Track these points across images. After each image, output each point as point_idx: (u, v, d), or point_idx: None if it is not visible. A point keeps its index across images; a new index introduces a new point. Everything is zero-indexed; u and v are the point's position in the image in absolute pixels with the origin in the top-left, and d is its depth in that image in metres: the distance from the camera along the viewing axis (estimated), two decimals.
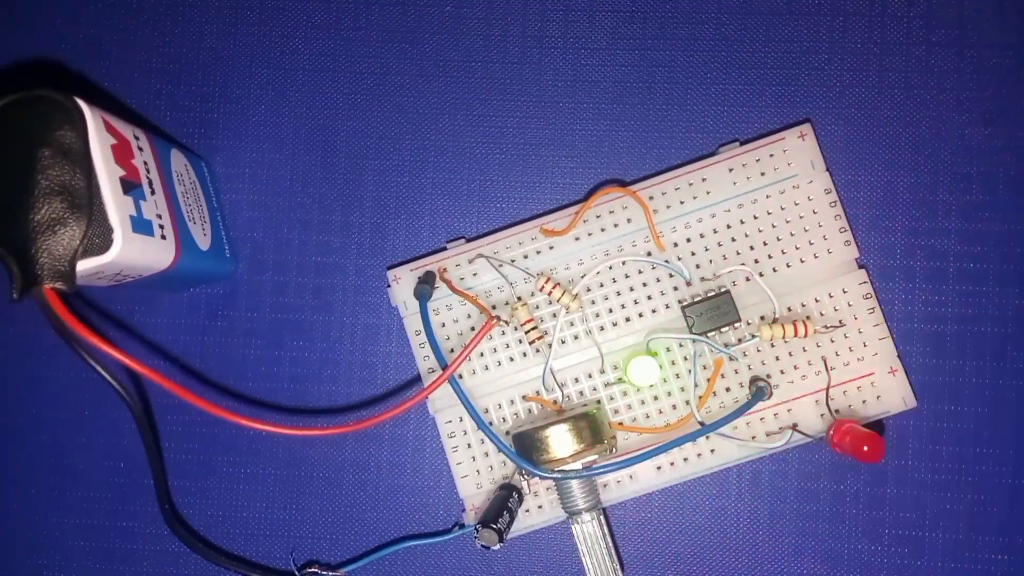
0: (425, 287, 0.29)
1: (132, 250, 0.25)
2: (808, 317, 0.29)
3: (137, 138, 0.27)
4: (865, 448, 0.26)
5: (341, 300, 0.32)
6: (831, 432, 0.28)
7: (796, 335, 0.29)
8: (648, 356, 0.29)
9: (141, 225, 0.26)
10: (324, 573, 0.30)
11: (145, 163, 0.27)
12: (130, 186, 0.26)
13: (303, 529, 0.32)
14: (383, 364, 0.32)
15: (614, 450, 0.29)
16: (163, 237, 0.27)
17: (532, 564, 0.31)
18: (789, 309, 0.30)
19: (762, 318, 0.30)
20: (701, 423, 0.29)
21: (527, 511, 0.30)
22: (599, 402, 0.30)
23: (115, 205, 0.24)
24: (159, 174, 0.28)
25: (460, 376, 0.30)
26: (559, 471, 0.27)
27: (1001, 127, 0.31)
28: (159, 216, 0.27)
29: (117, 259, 0.24)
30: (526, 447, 0.28)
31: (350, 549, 0.31)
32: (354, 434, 0.32)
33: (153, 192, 0.27)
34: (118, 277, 0.26)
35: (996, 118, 0.31)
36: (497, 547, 0.26)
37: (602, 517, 0.28)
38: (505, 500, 0.27)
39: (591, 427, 0.28)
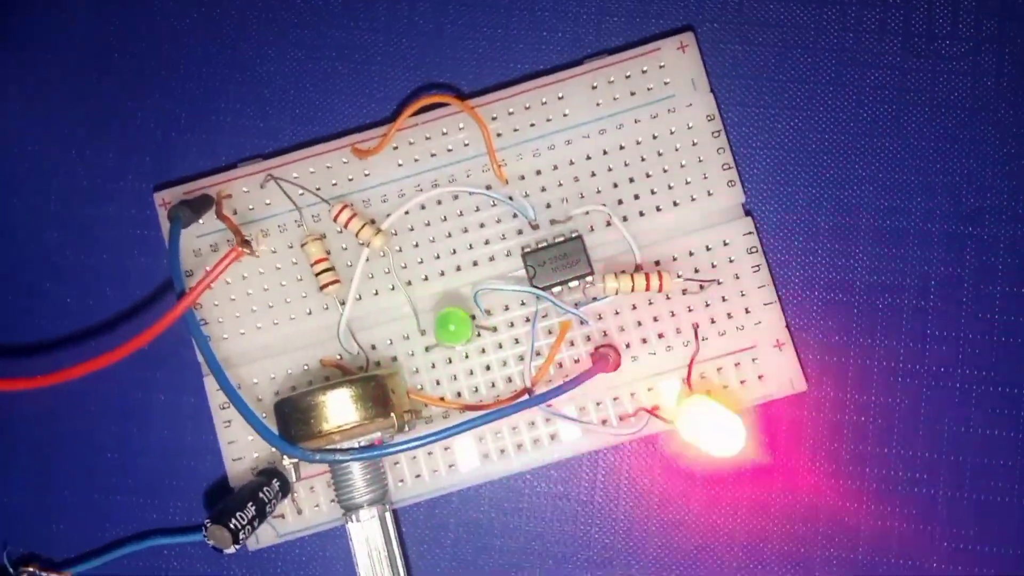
0: (183, 209, 0.22)
1: None
2: (669, 272, 0.23)
3: None
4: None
5: (111, 234, 0.26)
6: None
7: (648, 289, 0.23)
8: (457, 310, 0.23)
9: None
10: (41, 574, 0.23)
11: None
12: None
13: (48, 521, 0.25)
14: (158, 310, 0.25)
15: (410, 427, 0.22)
16: None
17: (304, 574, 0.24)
18: (657, 263, 0.24)
19: (623, 272, 0.23)
20: (528, 391, 0.22)
21: (300, 512, 0.23)
22: (397, 362, 0.23)
23: None
24: None
25: (242, 333, 0.24)
26: (322, 451, 0.20)
27: (924, 57, 0.25)
28: None
29: None
30: (287, 419, 0.21)
31: (95, 545, 0.25)
32: (115, 410, 0.25)
33: None
34: None
35: (920, 44, 0.25)
36: (231, 550, 0.19)
37: (388, 515, 0.21)
38: (255, 491, 0.21)
39: (376, 396, 0.21)
